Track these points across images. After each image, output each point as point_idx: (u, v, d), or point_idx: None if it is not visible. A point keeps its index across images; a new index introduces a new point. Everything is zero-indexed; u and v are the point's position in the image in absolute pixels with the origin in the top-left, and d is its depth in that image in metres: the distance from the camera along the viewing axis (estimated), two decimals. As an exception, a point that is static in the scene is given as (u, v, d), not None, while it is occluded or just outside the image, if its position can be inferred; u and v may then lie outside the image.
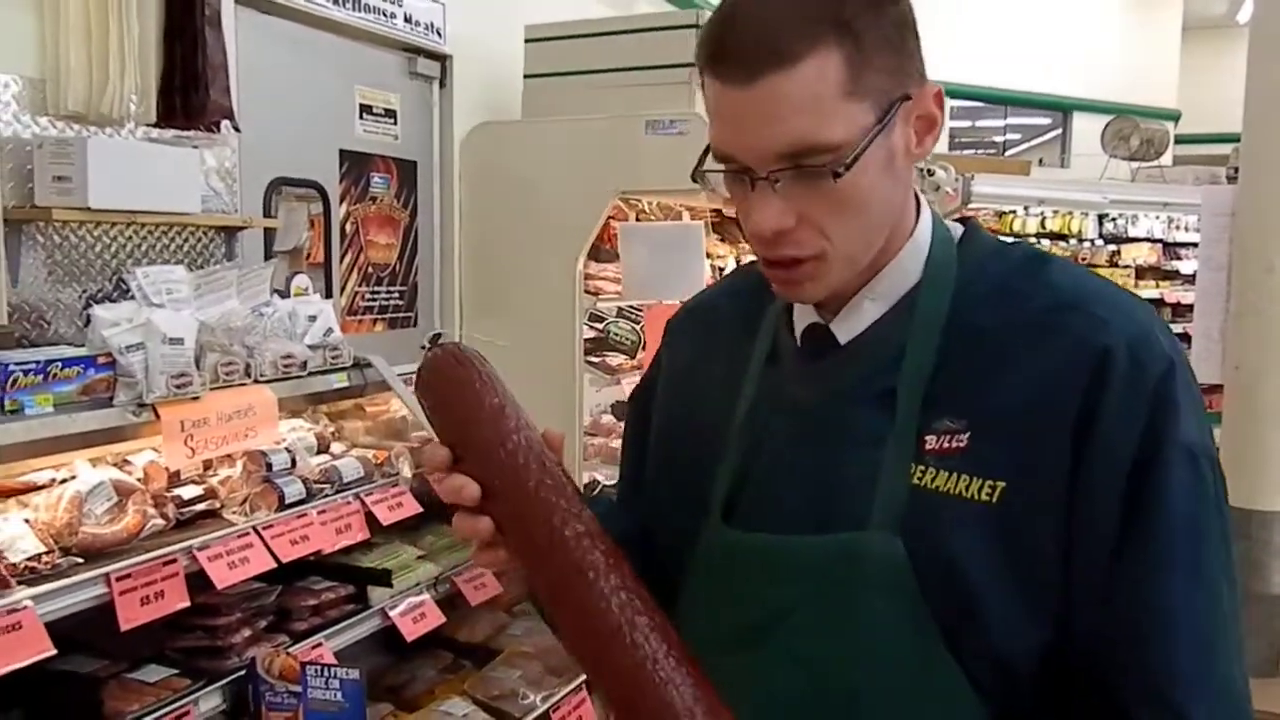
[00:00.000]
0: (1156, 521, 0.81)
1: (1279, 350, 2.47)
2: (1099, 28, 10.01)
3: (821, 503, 0.89)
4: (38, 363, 1.91)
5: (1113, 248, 8.60)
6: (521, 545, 0.87)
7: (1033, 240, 8.28)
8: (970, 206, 7.61)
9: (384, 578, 2.40)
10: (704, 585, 0.95)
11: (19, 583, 1.74)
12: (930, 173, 6.55)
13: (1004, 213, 8.11)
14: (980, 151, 10.70)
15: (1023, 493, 0.83)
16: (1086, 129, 9.76)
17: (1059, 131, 10.77)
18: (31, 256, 2.34)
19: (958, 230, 0.96)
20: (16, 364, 1.88)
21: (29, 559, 1.79)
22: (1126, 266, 8.58)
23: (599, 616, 0.83)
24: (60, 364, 1.95)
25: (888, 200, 0.88)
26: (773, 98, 0.81)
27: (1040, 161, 10.15)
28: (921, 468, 0.85)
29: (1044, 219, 8.28)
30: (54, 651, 1.69)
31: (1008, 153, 11.00)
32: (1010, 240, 0.98)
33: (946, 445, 0.85)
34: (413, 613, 2.40)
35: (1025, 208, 8.17)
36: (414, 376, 0.91)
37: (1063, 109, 10.48)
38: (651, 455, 1.08)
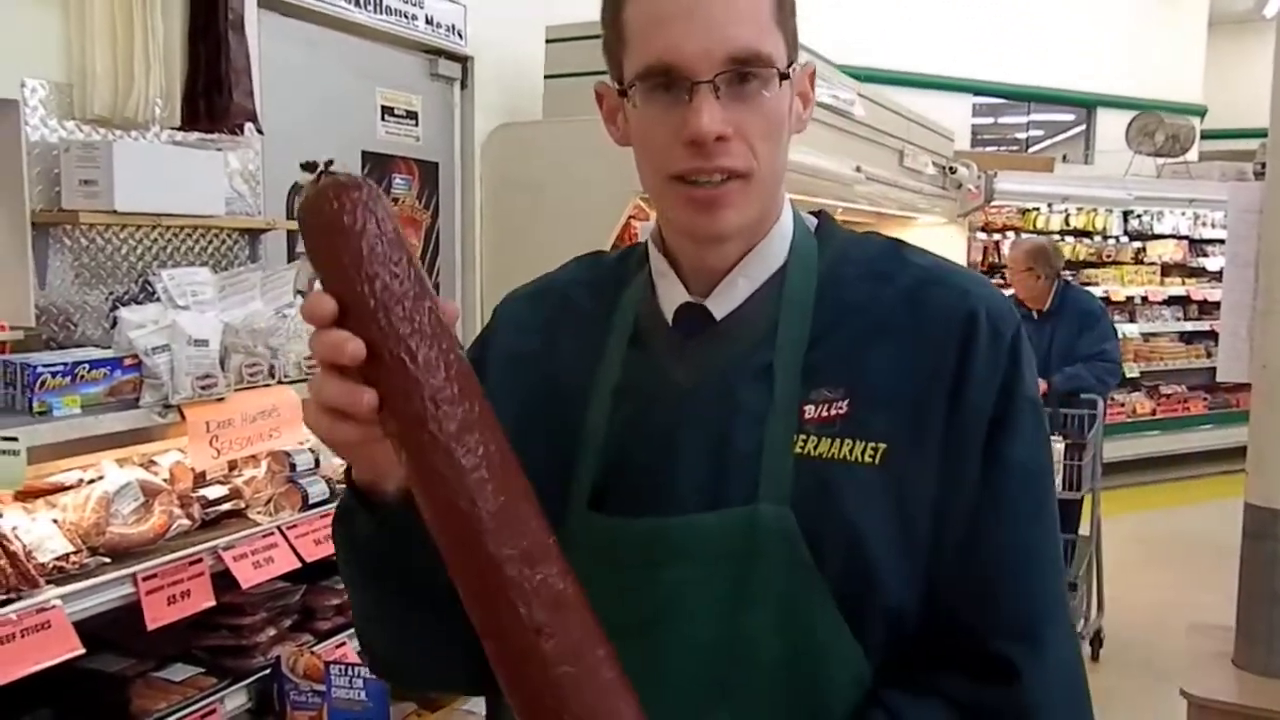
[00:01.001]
0: (1011, 470, 0.89)
1: (1308, 349, 2.44)
2: (1123, 22, 9.92)
3: (711, 480, 0.89)
4: (65, 365, 1.93)
5: (1138, 244, 8.54)
6: (405, 432, 0.73)
7: (1057, 237, 8.23)
8: (993, 204, 7.59)
9: (407, 577, 2.41)
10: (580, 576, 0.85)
11: (48, 582, 1.76)
12: (952, 170, 6.53)
13: (1027, 210, 8.06)
14: (1003, 148, 10.62)
15: (903, 452, 0.88)
16: (1111, 125, 9.67)
17: (1083, 128, 10.67)
18: (59, 259, 2.36)
19: (812, 221, 1.01)
20: (44, 366, 1.90)
21: (57, 559, 1.81)
22: (1152, 263, 8.52)
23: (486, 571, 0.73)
24: (87, 366, 1.97)
25: (783, 150, 0.93)
26: (723, 2, 0.86)
27: (1064, 158, 10.07)
28: (804, 437, 0.88)
29: (1068, 216, 8.24)
30: (82, 650, 1.71)
31: (1031, 149, 10.92)
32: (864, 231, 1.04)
33: (826, 414, 0.89)
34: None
35: (1049, 205, 8.13)
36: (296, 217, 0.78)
37: (1086, 105, 10.38)
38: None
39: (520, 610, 0.73)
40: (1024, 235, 6.54)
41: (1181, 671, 2.64)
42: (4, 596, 1.67)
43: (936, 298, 0.93)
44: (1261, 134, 2.72)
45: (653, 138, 0.90)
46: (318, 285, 0.77)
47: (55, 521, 1.89)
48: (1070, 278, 8.21)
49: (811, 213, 1.03)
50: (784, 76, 0.88)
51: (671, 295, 0.97)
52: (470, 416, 0.75)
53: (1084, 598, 4.19)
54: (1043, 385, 4.43)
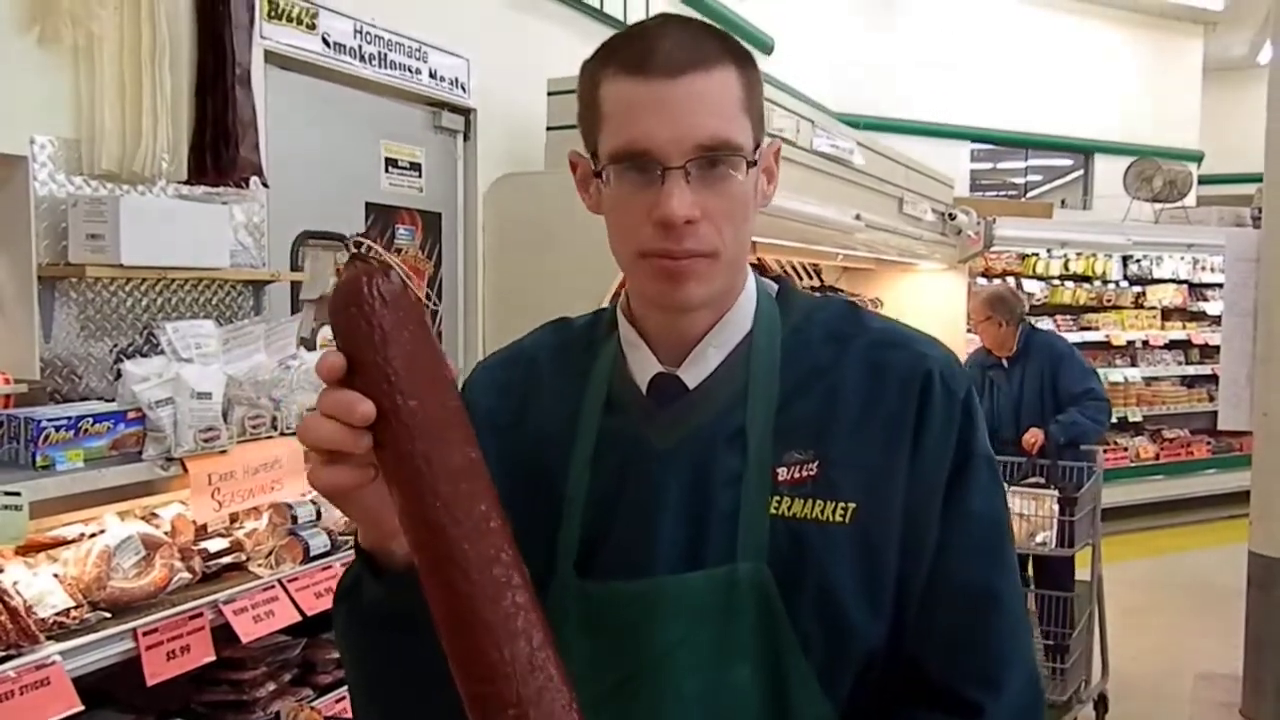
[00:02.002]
0: (969, 520, 0.94)
1: (1308, 396, 2.44)
2: (1120, 69, 10.04)
3: (690, 542, 0.93)
4: (69, 419, 1.94)
5: (1138, 289, 8.57)
6: (409, 494, 0.76)
7: (1056, 282, 8.26)
8: (993, 249, 7.63)
9: (408, 629, 2.39)
10: (566, 634, 0.89)
11: (48, 638, 1.75)
12: (952, 216, 6.57)
13: (1027, 255, 8.10)
14: (1001, 194, 10.70)
15: (872, 509, 0.93)
16: (1108, 170, 9.75)
17: (1081, 173, 10.76)
18: (64, 312, 2.38)
19: (773, 287, 1.05)
20: (49, 420, 1.91)
21: (58, 614, 1.81)
22: (1152, 308, 8.54)
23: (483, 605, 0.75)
24: (91, 419, 1.98)
25: (749, 229, 0.97)
26: (694, 93, 0.90)
27: (1063, 203, 10.15)
28: (777, 498, 0.93)
29: (1067, 260, 8.27)
30: (81, 708, 1.70)
31: (1029, 195, 11.00)
32: (821, 296, 1.09)
33: (798, 475, 0.93)
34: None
35: (1048, 250, 8.17)
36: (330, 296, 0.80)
37: (1084, 151, 10.48)
38: None
39: (501, 650, 0.75)
40: (993, 283, 6.55)
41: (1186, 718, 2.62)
42: (4, 653, 1.66)
43: (894, 360, 0.97)
44: (1258, 179, 2.75)
45: (625, 215, 0.93)
46: (325, 335, 0.80)
47: (56, 576, 1.89)
48: (1071, 321, 8.30)
49: (772, 278, 1.07)
50: (751, 163, 0.93)
51: (644, 366, 1.00)
52: (464, 465, 0.77)
53: (1084, 658, 4.08)
54: (1039, 435, 4.39)
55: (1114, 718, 4.26)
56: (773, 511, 0.92)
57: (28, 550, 1.95)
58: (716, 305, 0.98)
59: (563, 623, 0.90)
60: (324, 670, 2.25)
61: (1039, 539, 3.85)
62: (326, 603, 2.18)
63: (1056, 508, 3.83)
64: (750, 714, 0.91)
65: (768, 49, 7.10)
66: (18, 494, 1.76)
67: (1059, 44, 9.91)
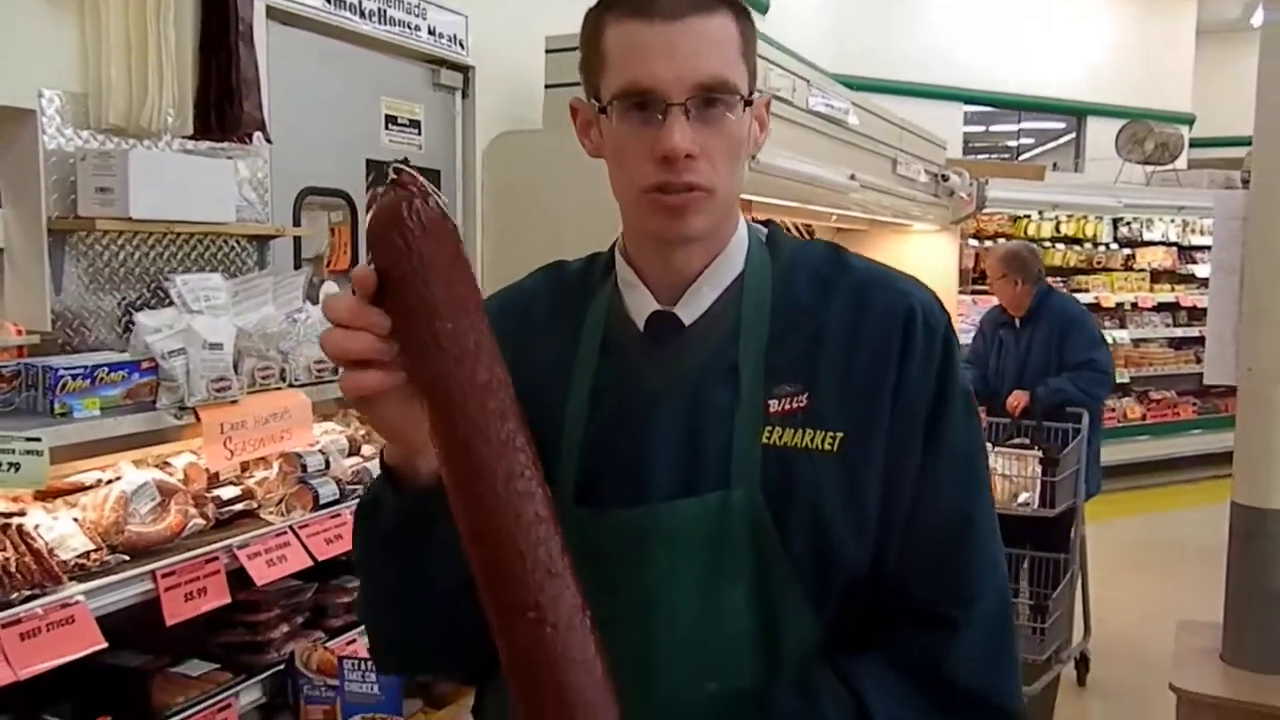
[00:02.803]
0: (947, 451, 1.00)
1: (1291, 352, 2.51)
2: (1113, 32, 10.03)
3: (686, 472, 0.98)
4: (85, 368, 1.98)
5: (1128, 251, 8.63)
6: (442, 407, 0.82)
7: (1047, 244, 8.31)
8: (984, 211, 7.68)
9: (415, 576, 2.46)
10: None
11: (70, 579, 1.81)
12: (944, 178, 6.60)
13: (1018, 217, 8.14)
14: (994, 156, 10.72)
15: (858, 439, 0.98)
16: (1101, 133, 9.77)
17: (1073, 136, 10.77)
18: (73, 265, 2.41)
19: (762, 231, 1.11)
20: (65, 369, 1.95)
21: (78, 556, 1.86)
22: (1141, 270, 8.60)
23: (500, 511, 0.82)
24: (106, 369, 2.02)
25: (741, 169, 1.02)
26: (696, 35, 0.95)
27: (1055, 166, 10.17)
28: (769, 429, 0.98)
29: (1058, 223, 8.31)
30: (105, 645, 1.76)
31: (1021, 158, 11.02)
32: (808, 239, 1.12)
33: (788, 407, 0.99)
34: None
35: (1039, 212, 8.21)
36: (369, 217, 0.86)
37: (1076, 113, 10.49)
38: None
39: (524, 558, 0.82)
40: (1012, 241, 6.58)
41: (1171, 668, 2.70)
42: (29, 592, 1.72)
43: (878, 299, 1.03)
44: (1249, 142, 2.79)
45: (627, 153, 0.98)
46: (326, 290, 0.84)
47: (76, 520, 1.95)
48: (1061, 284, 8.35)
49: (761, 223, 1.14)
50: (747, 103, 0.98)
51: (641, 304, 1.05)
52: (493, 384, 0.83)
53: (1065, 618, 4.11)
54: (1024, 398, 4.40)
55: (1097, 668, 4.37)
56: (765, 441, 0.97)
57: (47, 496, 2.00)
58: (710, 244, 1.03)
59: (607, 540, 0.97)
60: (334, 614, 2.31)
61: (1021, 499, 3.90)
62: (337, 549, 2.24)
63: (1039, 469, 3.87)
64: (743, 634, 0.96)
65: (763, 8, 7.08)
66: (38, 439, 1.80)
67: (1053, 6, 9.89)
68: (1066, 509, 4.06)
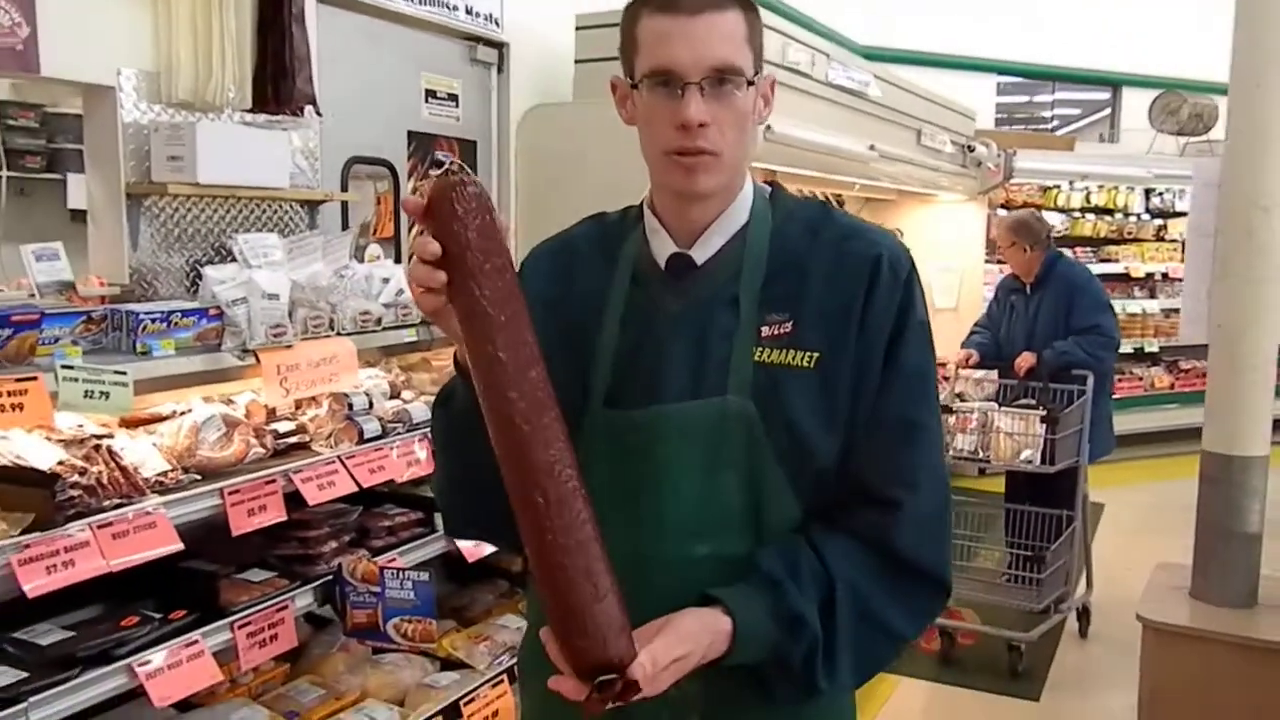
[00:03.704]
0: (904, 369, 1.24)
1: (1256, 310, 2.69)
2: (1149, 2, 9.99)
3: (693, 380, 1.23)
4: (162, 313, 2.27)
5: (1159, 222, 8.67)
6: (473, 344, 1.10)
7: (1077, 214, 8.40)
8: (1014, 181, 7.79)
9: (448, 506, 2.74)
10: (597, 456, 1.22)
11: (151, 492, 2.11)
12: (971, 149, 6.74)
13: (1048, 187, 8.24)
14: (1029, 127, 10.75)
15: (831, 358, 1.22)
16: (1136, 103, 9.77)
17: (1109, 109, 10.76)
18: (147, 225, 2.71)
19: (766, 189, 1.35)
20: (145, 313, 2.24)
21: (158, 474, 2.15)
22: (1173, 240, 8.64)
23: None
24: (180, 314, 2.31)
25: (747, 138, 1.26)
26: (710, 27, 1.19)
27: (1099, 138, 10.18)
28: (760, 349, 1.23)
29: (1089, 193, 8.38)
30: (181, 546, 2.05)
31: (1058, 130, 11.03)
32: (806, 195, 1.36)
33: (777, 332, 1.24)
34: (473, 537, 2.73)
35: (1070, 182, 8.29)
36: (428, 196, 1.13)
37: (1111, 83, 10.48)
38: None
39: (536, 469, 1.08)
40: (1019, 209, 6.68)
41: (1140, 601, 2.92)
42: (119, 501, 2.01)
43: (853, 247, 1.27)
44: None
45: (654, 121, 1.22)
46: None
47: (154, 445, 2.24)
48: (1091, 253, 8.44)
49: (766, 182, 1.37)
50: (750, 83, 1.22)
51: (663, 247, 1.30)
52: (512, 316, 1.10)
53: (1062, 570, 4.25)
54: (1031, 359, 4.57)
55: (1103, 622, 4.56)
56: (756, 359, 1.22)
57: (131, 423, 2.30)
58: (720, 199, 1.27)
59: (593, 444, 1.23)
60: (376, 536, 2.59)
61: (1024, 455, 4.10)
62: (379, 477, 2.52)
63: (1042, 427, 4.06)
64: (733, 509, 1.22)
65: (795, -18, 7.22)
66: (124, 373, 2.09)
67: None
68: (1070, 467, 4.24)
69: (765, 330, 1.23)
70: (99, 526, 1.94)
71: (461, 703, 2.38)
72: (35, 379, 1.96)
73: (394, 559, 2.52)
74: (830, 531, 1.22)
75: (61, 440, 2.06)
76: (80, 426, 2.15)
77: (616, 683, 1.05)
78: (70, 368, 2.03)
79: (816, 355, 1.22)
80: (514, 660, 2.53)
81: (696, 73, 1.18)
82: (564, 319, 1.30)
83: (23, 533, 1.83)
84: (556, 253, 1.40)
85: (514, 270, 1.13)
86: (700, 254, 1.29)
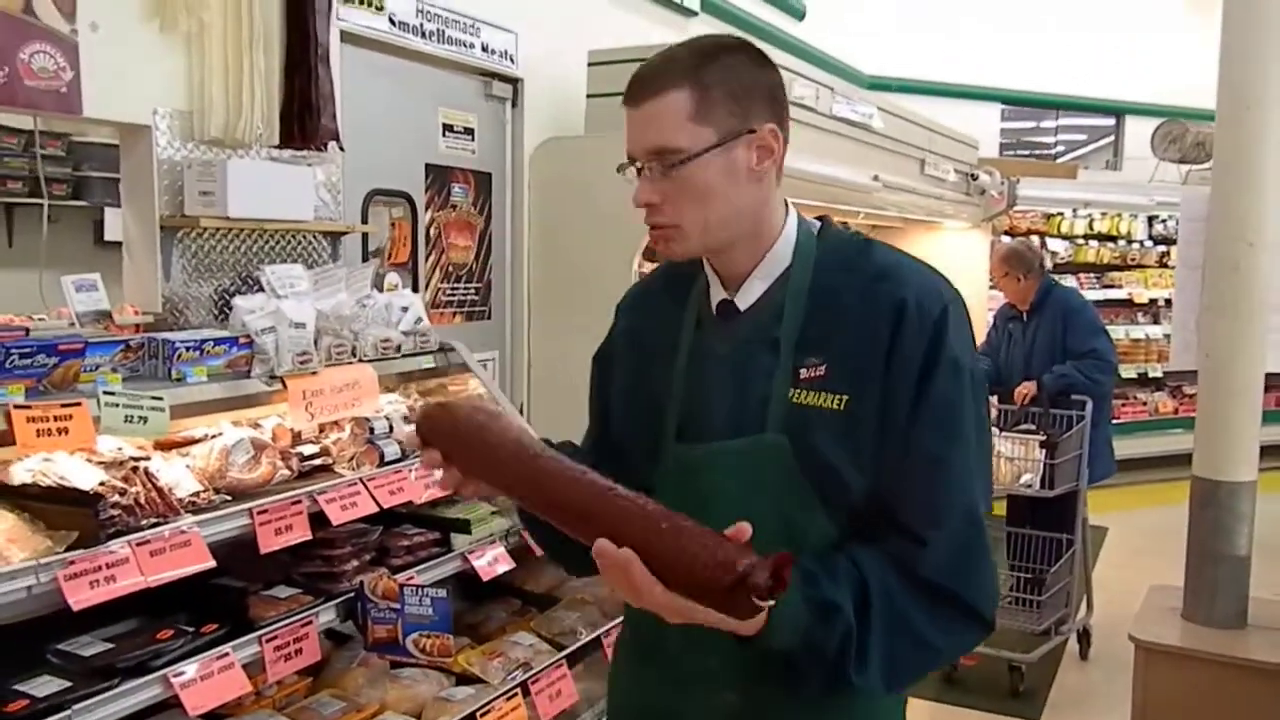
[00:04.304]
0: (932, 405, 1.27)
1: (1243, 341, 2.79)
2: (1151, 30, 10.14)
3: (736, 417, 1.34)
4: (196, 341, 2.40)
5: (1162, 249, 8.78)
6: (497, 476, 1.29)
7: (1080, 241, 8.51)
8: (1017, 209, 7.91)
9: (464, 527, 2.84)
10: (666, 484, 1.36)
11: (185, 512, 2.22)
12: (974, 177, 6.86)
13: (1052, 215, 8.36)
14: (1033, 154, 10.88)
15: (859, 400, 1.29)
16: (1139, 132, 9.90)
17: (1112, 136, 10.89)
18: (179, 256, 2.84)
19: (815, 225, 1.42)
20: (181, 342, 2.37)
21: (191, 495, 2.27)
22: (1175, 267, 8.74)
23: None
24: (212, 342, 2.44)
25: (733, 198, 1.33)
26: (651, 113, 1.29)
27: (1085, 166, 10.30)
28: (797, 390, 1.31)
29: (1092, 220, 8.50)
30: (213, 564, 2.16)
31: (1065, 156, 11.15)
32: (853, 231, 1.45)
33: (812, 374, 1.31)
34: (488, 557, 2.84)
35: (1073, 210, 8.41)
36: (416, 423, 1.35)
37: (1115, 112, 10.62)
38: (617, 401, 1.54)
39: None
40: (1012, 239, 6.79)
41: (1133, 623, 3.01)
42: (155, 520, 2.12)
43: (882, 291, 1.31)
44: None
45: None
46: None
47: (187, 467, 2.36)
48: (1094, 280, 8.55)
49: (817, 217, 1.45)
50: (697, 155, 1.28)
51: (715, 293, 1.42)
52: (515, 478, 1.26)
53: (1063, 593, 4.33)
54: (1031, 388, 4.68)
55: (1103, 643, 4.63)
56: (792, 400, 1.30)
57: (165, 446, 2.41)
58: (745, 249, 1.37)
59: (665, 472, 1.38)
60: (396, 555, 2.69)
61: (1024, 480, 4.20)
62: (399, 499, 2.63)
63: (1042, 452, 4.16)
64: (773, 535, 1.23)
65: (800, 15, 7.38)
66: (160, 398, 2.21)
67: (1092, 5, 10.03)
68: (1069, 491, 4.34)
69: (803, 373, 1.31)
70: (138, 544, 2.05)
71: (478, 714, 2.47)
72: (80, 404, 2.08)
73: (412, 577, 2.62)
74: (866, 546, 1.28)
75: (102, 462, 2.18)
76: (119, 449, 2.27)
77: (757, 579, 1.08)
78: (112, 393, 2.15)
79: (846, 398, 1.29)
80: (527, 675, 2.63)
81: (641, 157, 1.30)
82: (644, 352, 1.46)
83: (68, 549, 1.95)
84: (641, 296, 1.57)
85: (503, 437, 1.27)
86: (744, 300, 1.39)
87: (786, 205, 1.42)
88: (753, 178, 1.34)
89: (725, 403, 1.35)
